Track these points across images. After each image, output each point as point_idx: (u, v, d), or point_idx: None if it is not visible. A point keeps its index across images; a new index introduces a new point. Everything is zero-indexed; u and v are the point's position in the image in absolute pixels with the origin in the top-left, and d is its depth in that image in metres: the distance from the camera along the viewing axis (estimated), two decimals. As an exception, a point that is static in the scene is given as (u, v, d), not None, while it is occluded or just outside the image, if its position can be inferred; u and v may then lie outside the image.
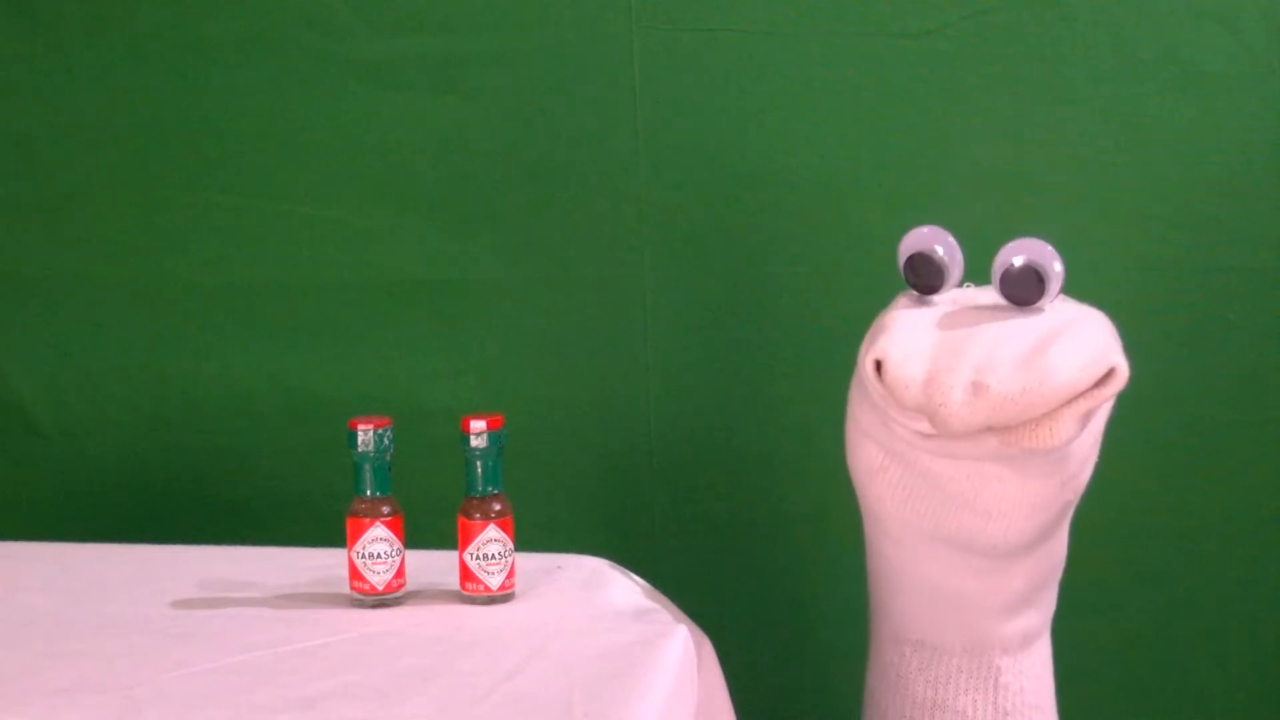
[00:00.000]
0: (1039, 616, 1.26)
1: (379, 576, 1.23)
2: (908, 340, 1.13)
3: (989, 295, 1.22)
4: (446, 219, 1.61)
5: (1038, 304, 1.18)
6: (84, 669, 1.11)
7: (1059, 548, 1.24)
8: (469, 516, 1.23)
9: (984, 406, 1.06)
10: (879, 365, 1.12)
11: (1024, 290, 1.17)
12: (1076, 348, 1.09)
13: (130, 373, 1.66)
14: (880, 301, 1.26)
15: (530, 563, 1.30)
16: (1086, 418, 1.10)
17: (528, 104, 1.59)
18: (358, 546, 1.23)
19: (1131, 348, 1.14)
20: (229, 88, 1.61)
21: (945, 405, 1.07)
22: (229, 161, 1.62)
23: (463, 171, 1.60)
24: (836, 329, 1.55)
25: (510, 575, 1.24)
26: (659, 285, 1.60)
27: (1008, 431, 1.09)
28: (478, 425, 1.22)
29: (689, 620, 1.21)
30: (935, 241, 1.22)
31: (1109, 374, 1.08)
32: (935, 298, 1.23)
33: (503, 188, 1.60)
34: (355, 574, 1.23)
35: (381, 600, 1.23)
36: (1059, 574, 1.27)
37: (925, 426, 1.12)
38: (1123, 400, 1.17)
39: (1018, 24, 1.52)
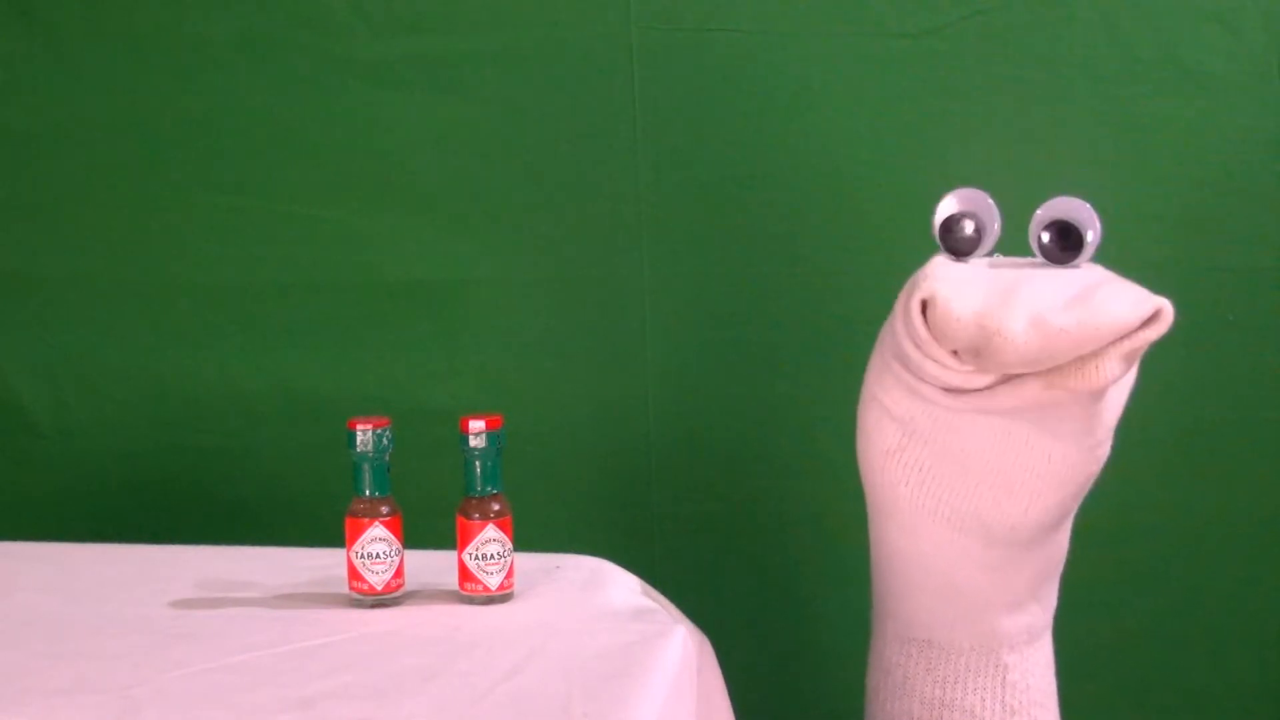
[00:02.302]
0: (1043, 612, 1.26)
1: (378, 576, 1.23)
2: (955, 282, 1.12)
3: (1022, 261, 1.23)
4: (446, 219, 1.61)
5: (1076, 260, 1.19)
6: (83, 669, 1.10)
7: (1064, 539, 1.24)
8: (468, 516, 1.23)
9: (1039, 336, 1.06)
10: (924, 308, 1.11)
11: (1064, 245, 1.18)
12: (1123, 291, 1.10)
13: (130, 373, 1.66)
14: (881, 301, 1.26)
15: (529, 562, 1.30)
16: (1132, 359, 1.10)
17: (528, 104, 1.59)
18: (356, 546, 1.23)
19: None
20: (229, 88, 1.61)
21: (1001, 333, 1.06)
22: (229, 161, 1.63)
23: (463, 171, 1.60)
24: (836, 329, 1.56)
25: (509, 575, 1.24)
26: (659, 285, 1.60)
27: (1054, 373, 1.08)
28: (476, 425, 1.22)
29: (688, 620, 1.21)
30: (974, 203, 1.22)
31: (1155, 315, 1.09)
32: (970, 259, 1.23)
33: (503, 188, 1.60)
34: (354, 574, 1.23)
35: (380, 600, 1.23)
36: (1061, 568, 1.27)
37: (961, 378, 1.11)
38: (1122, 400, 1.17)
39: (1018, 24, 1.52)
